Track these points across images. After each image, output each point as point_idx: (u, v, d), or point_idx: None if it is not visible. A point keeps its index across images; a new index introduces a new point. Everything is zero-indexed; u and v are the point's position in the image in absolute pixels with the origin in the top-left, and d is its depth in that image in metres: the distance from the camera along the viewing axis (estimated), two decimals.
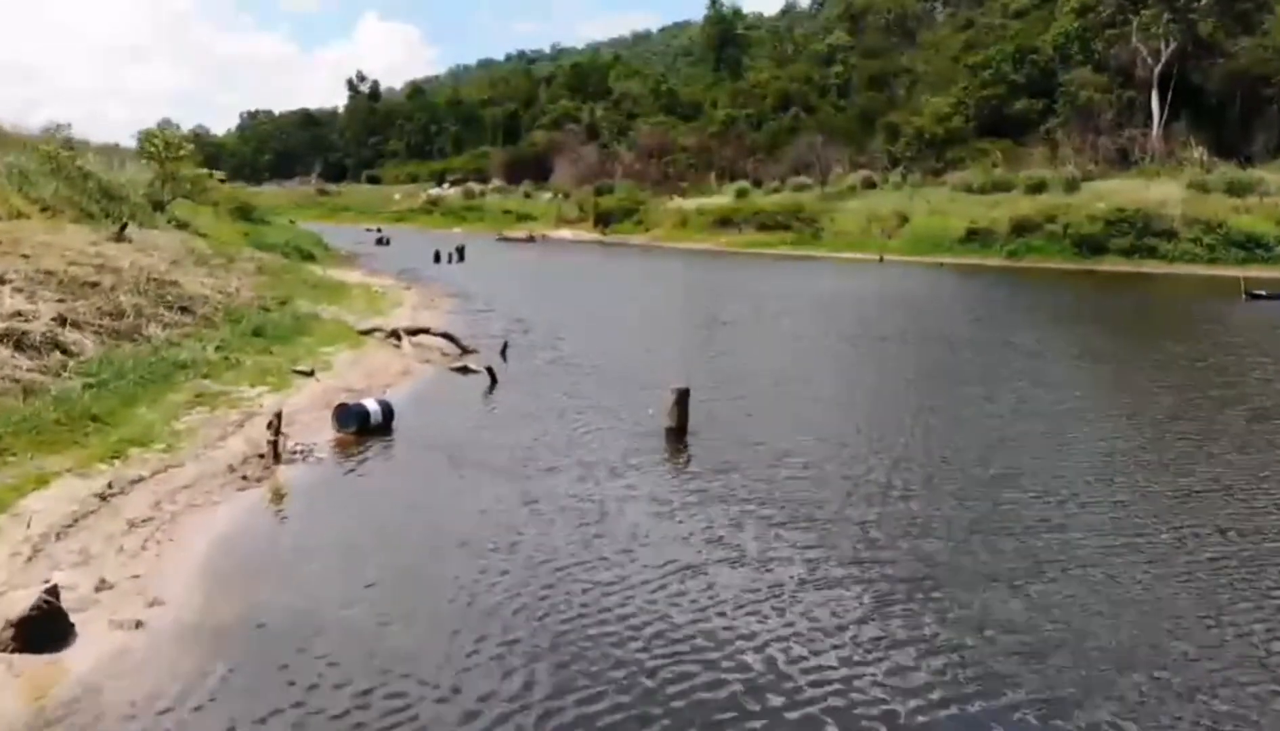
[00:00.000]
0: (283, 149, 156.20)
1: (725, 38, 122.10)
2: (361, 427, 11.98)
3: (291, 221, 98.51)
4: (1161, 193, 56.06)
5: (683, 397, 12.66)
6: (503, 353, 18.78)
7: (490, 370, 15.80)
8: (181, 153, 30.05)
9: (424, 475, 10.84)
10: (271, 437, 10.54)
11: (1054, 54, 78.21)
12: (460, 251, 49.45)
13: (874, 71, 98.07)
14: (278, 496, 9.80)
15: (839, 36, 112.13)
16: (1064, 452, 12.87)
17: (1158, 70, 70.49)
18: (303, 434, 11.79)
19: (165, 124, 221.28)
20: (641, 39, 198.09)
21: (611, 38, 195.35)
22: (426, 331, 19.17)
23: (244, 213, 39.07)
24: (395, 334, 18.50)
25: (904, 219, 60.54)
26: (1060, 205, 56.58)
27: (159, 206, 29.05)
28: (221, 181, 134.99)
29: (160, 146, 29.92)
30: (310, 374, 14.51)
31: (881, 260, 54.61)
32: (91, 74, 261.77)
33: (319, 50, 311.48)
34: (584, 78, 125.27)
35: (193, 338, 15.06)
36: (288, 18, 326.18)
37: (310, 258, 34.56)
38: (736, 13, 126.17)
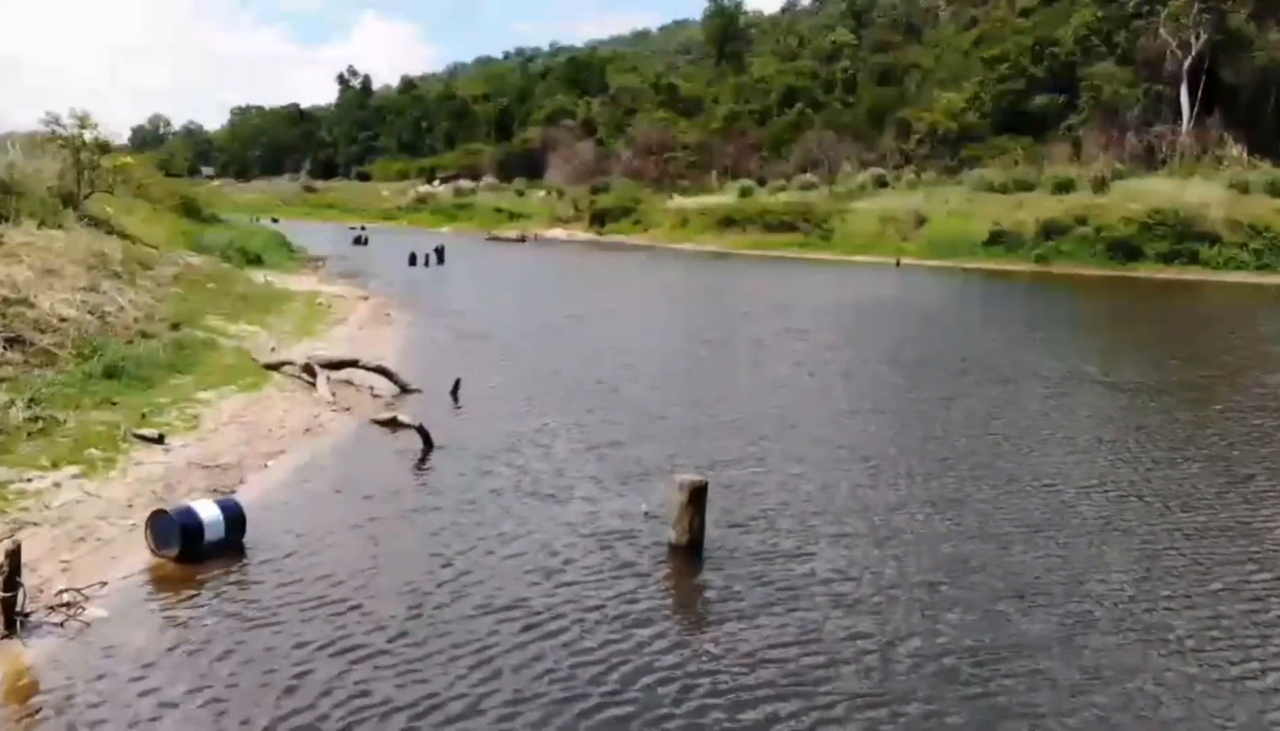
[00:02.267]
0: (272, 144, 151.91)
1: (727, 32, 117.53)
2: (191, 548, 7.71)
3: (275, 219, 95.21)
4: (1199, 193, 51.87)
5: (697, 497, 8.35)
6: (454, 393, 14.54)
7: (423, 430, 11.48)
8: (99, 139, 25.68)
9: (260, 668, 6.25)
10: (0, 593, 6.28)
11: (1075, 47, 74.00)
12: (439, 253, 45.11)
13: (883, 66, 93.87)
14: None
15: (842, 34, 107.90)
16: (1258, 575, 8.64)
17: (1187, 64, 66.31)
18: (95, 561, 7.52)
19: (156, 120, 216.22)
20: (641, 37, 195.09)
21: (611, 36, 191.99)
22: (354, 364, 14.80)
23: (190, 209, 34.71)
24: (309, 368, 14.13)
25: (921, 220, 56.30)
26: (1090, 206, 52.42)
27: (71, 202, 24.74)
28: (209, 177, 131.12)
29: (77, 134, 25.56)
30: (159, 440, 10.23)
31: (899, 264, 50.42)
32: (92, 71, 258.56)
33: (319, 48, 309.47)
34: (581, 72, 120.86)
35: (5, 384, 10.79)
36: (288, 16, 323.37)
37: (256, 261, 30.26)
38: (738, 7, 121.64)
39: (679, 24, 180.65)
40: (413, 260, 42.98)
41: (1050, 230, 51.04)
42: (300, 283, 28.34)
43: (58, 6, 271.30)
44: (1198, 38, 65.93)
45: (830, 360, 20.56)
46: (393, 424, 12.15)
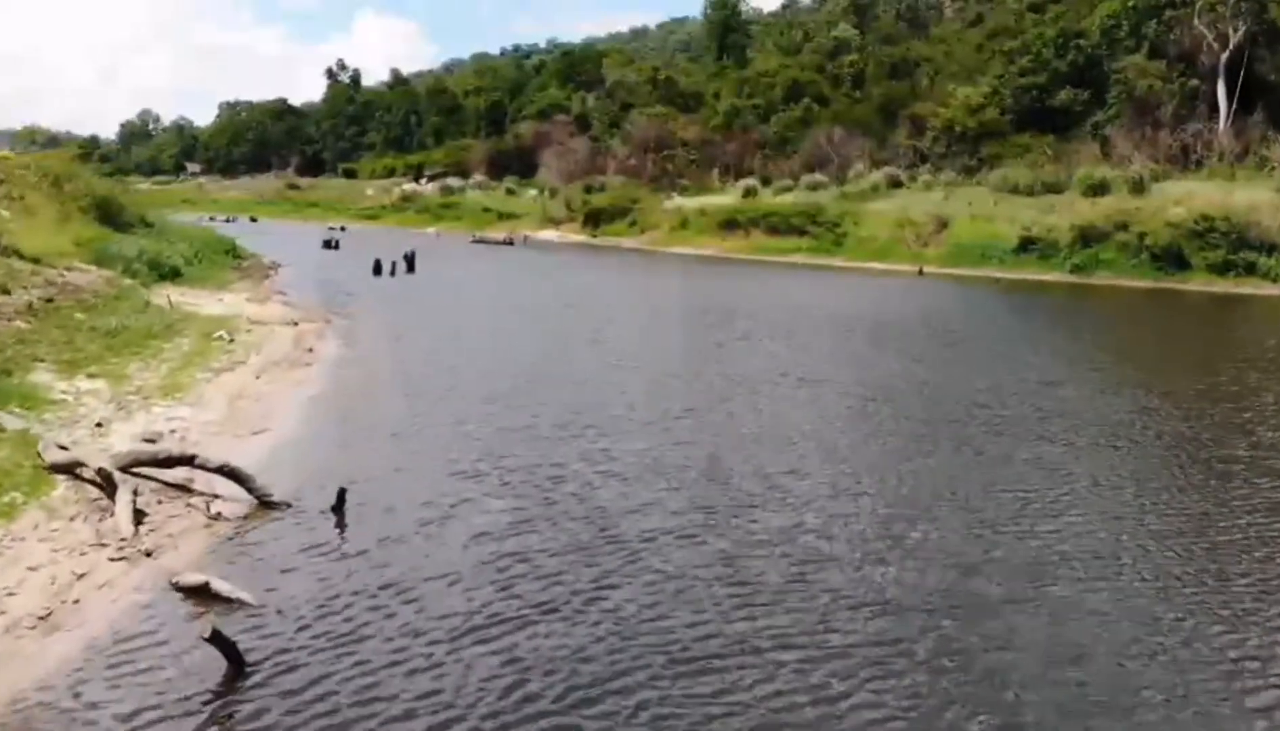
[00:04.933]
0: (259, 141, 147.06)
1: (728, 25, 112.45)
2: None
3: (254, 219, 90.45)
4: (1248, 197, 47.03)
5: None
6: (336, 509, 9.62)
7: (218, 638, 6.34)
8: None
9: None
10: None
11: (1101, 38, 69.11)
12: (409, 260, 40.28)
13: (892, 59, 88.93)
14: None
15: (845, 30, 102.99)
16: None
17: (1224, 58, 61.55)
18: None
19: (145, 115, 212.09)
20: (639, 35, 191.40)
21: (610, 33, 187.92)
22: (189, 462, 9.88)
23: (108, 213, 29.72)
24: (105, 476, 9.20)
25: (942, 224, 51.45)
26: (1129, 210, 47.45)
27: None
28: (194, 175, 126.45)
29: None
30: None
31: (921, 273, 45.64)
32: (92, 69, 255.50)
33: (320, 46, 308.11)
34: (575, 66, 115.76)
35: None
36: (288, 15, 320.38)
37: (173, 275, 25.36)
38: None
39: (678, 21, 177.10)
40: (378, 269, 38.09)
41: (1087, 236, 46.16)
42: (222, 302, 23.50)
43: (59, 4, 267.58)
44: (1235, 30, 61.26)
45: (855, 418, 15.63)
46: (204, 593, 7.31)
